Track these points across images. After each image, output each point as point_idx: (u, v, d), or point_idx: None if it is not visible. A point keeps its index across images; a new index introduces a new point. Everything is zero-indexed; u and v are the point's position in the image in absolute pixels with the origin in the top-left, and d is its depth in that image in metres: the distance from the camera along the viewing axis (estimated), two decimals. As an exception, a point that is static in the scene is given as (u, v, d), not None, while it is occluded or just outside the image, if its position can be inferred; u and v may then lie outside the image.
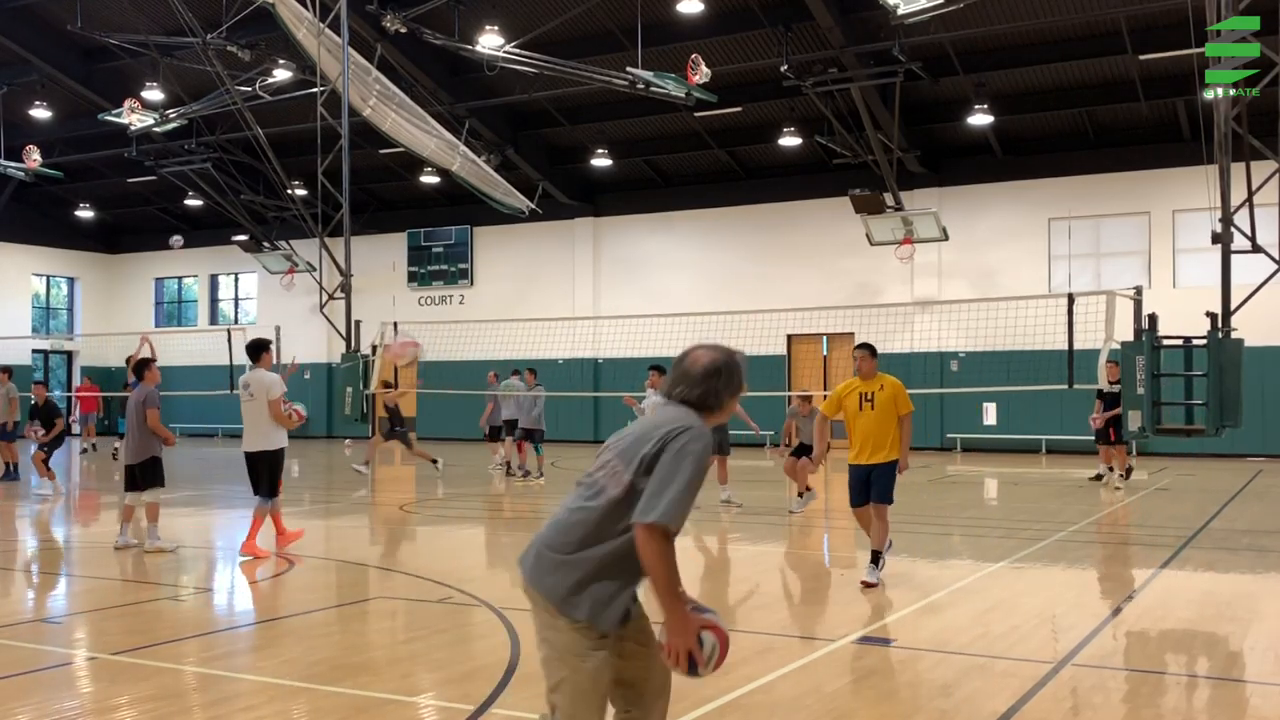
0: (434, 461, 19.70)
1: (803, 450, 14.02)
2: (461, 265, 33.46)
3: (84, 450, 27.62)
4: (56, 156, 31.55)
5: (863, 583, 9.03)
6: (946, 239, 25.44)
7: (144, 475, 11.22)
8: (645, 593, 3.72)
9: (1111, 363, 15.87)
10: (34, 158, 29.70)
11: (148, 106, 27.55)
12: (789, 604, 8.56)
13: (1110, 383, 16.17)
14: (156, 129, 28.36)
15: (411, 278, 34.04)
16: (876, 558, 9.21)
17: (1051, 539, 12.09)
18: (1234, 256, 15.07)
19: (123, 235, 39.62)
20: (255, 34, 24.13)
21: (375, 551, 11.52)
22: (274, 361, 11.36)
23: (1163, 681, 6.45)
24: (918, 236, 25.06)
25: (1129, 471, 18.31)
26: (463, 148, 25.94)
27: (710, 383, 3.83)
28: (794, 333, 28.08)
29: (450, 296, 33.61)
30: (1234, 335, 14.47)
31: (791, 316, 26.01)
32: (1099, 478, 18.19)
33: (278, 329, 20.20)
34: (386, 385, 20.04)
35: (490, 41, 23.01)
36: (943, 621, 7.89)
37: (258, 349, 10.93)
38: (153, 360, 11.89)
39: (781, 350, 28.48)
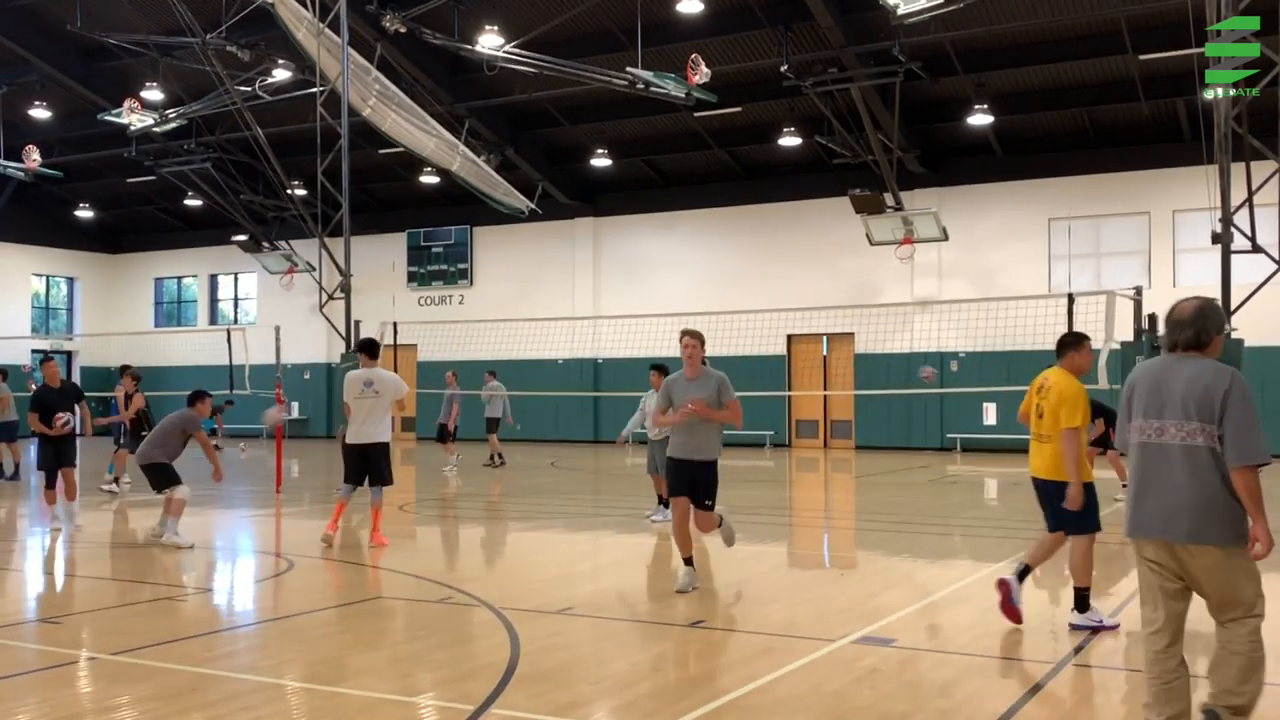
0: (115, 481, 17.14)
1: None
2: (461, 265, 33.45)
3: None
4: (56, 156, 31.54)
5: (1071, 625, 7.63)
6: (946, 239, 25.42)
7: (155, 478, 11.53)
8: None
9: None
10: (34, 158, 29.68)
11: (147, 106, 27.54)
12: (789, 604, 8.56)
13: None
14: (156, 129, 28.36)
15: (411, 278, 34.04)
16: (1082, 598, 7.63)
17: (1051, 539, 12.08)
18: (1234, 256, 15.08)
19: (122, 235, 39.62)
20: (255, 34, 24.11)
21: (375, 551, 11.51)
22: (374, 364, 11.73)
23: (1163, 681, 6.44)
24: (918, 236, 25.04)
25: None
26: (463, 148, 25.94)
27: (1199, 322, 4.89)
28: (794, 333, 28.09)
29: (450, 296, 33.61)
30: (1234, 335, 14.47)
31: (791, 316, 26.02)
32: None
33: (277, 329, 20.22)
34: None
35: (490, 41, 23.01)
36: (943, 621, 7.89)
37: (374, 348, 11.52)
38: (209, 395, 12.25)
39: (781, 350, 28.48)
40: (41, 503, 13.53)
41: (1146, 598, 4.89)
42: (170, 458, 11.64)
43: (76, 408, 13.12)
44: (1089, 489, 7.50)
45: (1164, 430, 4.78)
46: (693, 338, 9.05)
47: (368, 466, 11.39)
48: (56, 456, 12.73)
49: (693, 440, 8.90)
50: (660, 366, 14.33)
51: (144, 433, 16.35)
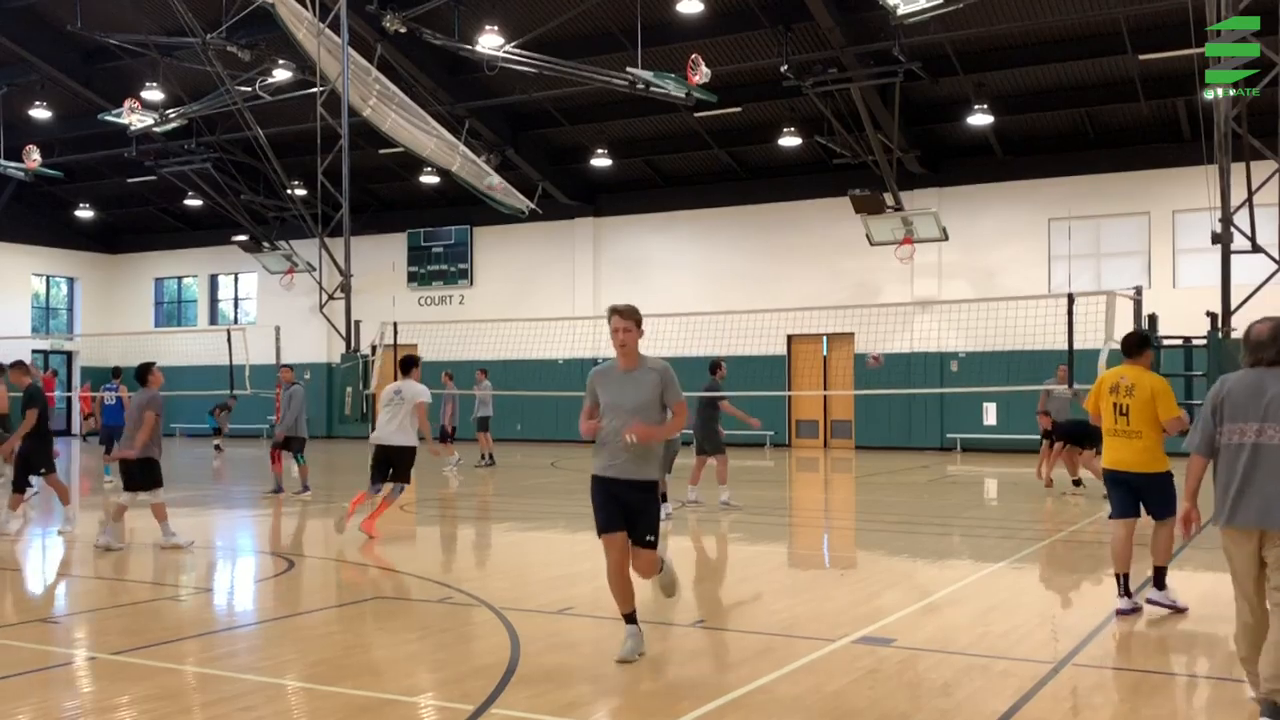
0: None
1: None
2: (461, 265, 33.45)
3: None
4: (56, 156, 31.55)
5: (1127, 609, 7.94)
6: (946, 239, 25.44)
7: (141, 475, 11.30)
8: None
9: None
10: (34, 158, 29.71)
11: (148, 106, 27.57)
12: (789, 604, 8.56)
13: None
14: (156, 129, 28.37)
15: (411, 278, 34.04)
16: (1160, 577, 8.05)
17: (1051, 539, 12.09)
18: (1234, 256, 15.10)
19: (123, 235, 39.63)
20: (255, 34, 24.14)
21: (375, 551, 11.52)
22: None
23: (1163, 681, 6.45)
24: (918, 236, 25.06)
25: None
26: (463, 148, 25.95)
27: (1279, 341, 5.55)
28: (794, 333, 28.08)
29: (450, 296, 33.61)
30: (1234, 335, 14.48)
31: (791, 316, 26.00)
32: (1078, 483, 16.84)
33: (278, 329, 20.24)
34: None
35: (490, 41, 23.02)
36: (943, 621, 7.89)
37: (409, 364, 12.56)
38: (154, 364, 11.86)
39: (781, 350, 28.47)
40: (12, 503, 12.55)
41: (1241, 581, 5.54)
42: (159, 450, 11.35)
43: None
44: (1170, 478, 7.93)
45: (1263, 432, 5.44)
46: (623, 318, 6.79)
47: (390, 466, 12.09)
48: (25, 461, 12.13)
49: (627, 454, 6.66)
50: None
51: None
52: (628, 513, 6.69)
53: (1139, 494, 7.96)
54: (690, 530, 13.01)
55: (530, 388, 28.48)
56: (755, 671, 6.38)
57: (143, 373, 11.63)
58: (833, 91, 23.69)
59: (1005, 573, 9.92)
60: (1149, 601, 7.95)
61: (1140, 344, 8.20)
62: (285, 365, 17.89)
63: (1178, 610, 7.87)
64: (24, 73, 28.45)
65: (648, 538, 6.73)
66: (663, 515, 13.57)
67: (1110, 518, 8.17)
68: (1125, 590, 7.90)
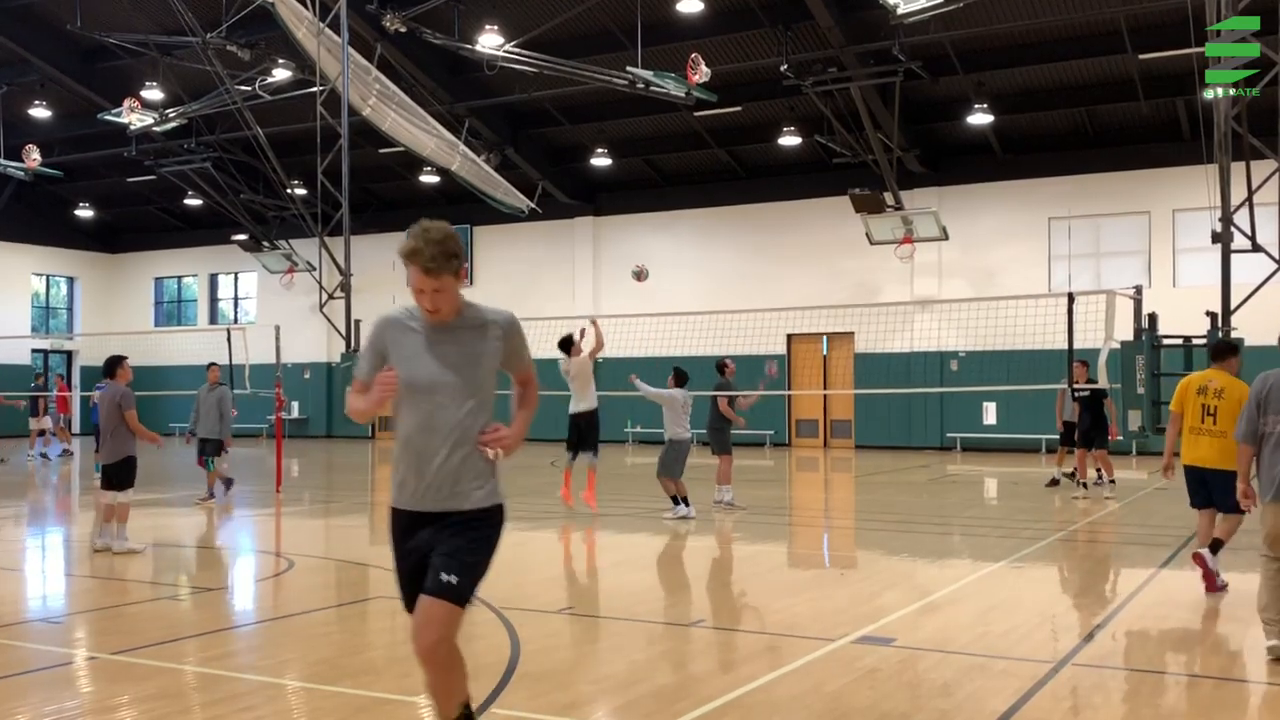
0: None
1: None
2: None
3: (63, 452, 26.41)
4: (56, 156, 31.54)
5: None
6: (946, 238, 25.43)
7: (117, 475, 11.03)
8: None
9: (1080, 363, 15.60)
10: (34, 157, 29.70)
11: (147, 106, 27.56)
12: (789, 604, 8.56)
13: (1077, 385, 15.64)
14: (156, 128, 28.37)
15: (411, 277, 33.99)
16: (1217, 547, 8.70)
17: (1051, 539, 12.09)
18: (1234, 256, 15.10)
19: (122, 235, 39.62)
20: (255, 34, 24.13)
21: (375, 551, 11.52)
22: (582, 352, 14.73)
23: (1163, 681, 6.45)
24: (918, 236, 25.06)
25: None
26: (462, 147, 25.95)
27: None
28: (794, 332, 28.08)
29: (450, 296, 33.56)
30: (1234, 335, 14.48)
31: (791, 316, 26.01)
32: (1057, 482, 17.08)
33: (278, 329, 20.22)
34: None
35: (490, 41, 23.02)
36: (943, 621, 7.89)
37: (568, 343, 14.87)
38: (124, 358, 11.61)
39: (781, 350, 28.47)
40: None
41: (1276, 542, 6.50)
42: (134, 448, 11.06)
43: None
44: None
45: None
46: (433, 274, 3.91)
47: (583, 435, 14.10)
48: None
49: (434, 462, 4.04)
50: (679, 370, 14.32)
51: None
52: (428, 554, 4.07)
53: (1209, 487, 8.58)
54: (693, 530, 13.01)
55: (530, 387, 28.44)
56: (755, 671, 6.38)
57: (112, 366, 11.29)
58: (833, 91, 23.69)
59: (1005, 572, 9.92)
60: (1198, 556, 8.59)
61: (1230, 350, 8.79)
62: (212, 364, 16.22)
63: (1217, 586, 8.48)
64: (24, 72, 28.44)
65: (443, 577, 3.95)
66: (680, 515, 13.50)
67: (1192, 506, 8.91)
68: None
